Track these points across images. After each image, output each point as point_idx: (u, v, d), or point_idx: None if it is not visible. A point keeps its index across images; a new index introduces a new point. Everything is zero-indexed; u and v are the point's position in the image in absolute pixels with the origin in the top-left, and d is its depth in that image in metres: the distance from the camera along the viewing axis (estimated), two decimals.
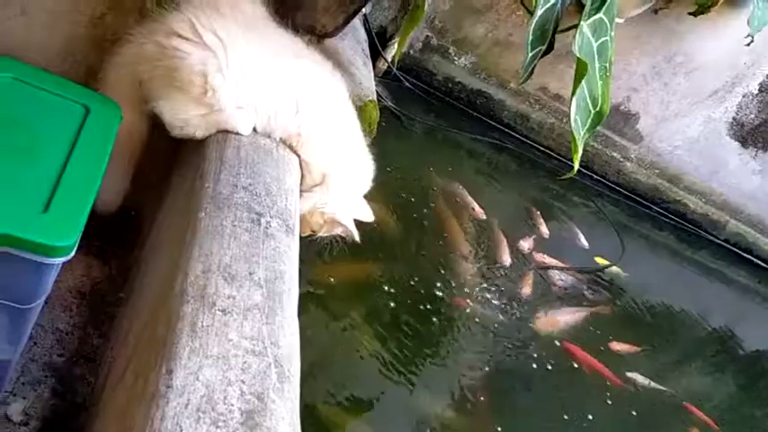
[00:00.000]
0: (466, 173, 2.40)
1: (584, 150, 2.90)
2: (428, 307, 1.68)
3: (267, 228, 0.94)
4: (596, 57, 1.30)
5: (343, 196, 1.23)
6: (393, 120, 2.37)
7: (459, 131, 2.62)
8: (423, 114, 2.56)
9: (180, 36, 1.05)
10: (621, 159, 2.98)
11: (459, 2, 2.44)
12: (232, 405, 0.68)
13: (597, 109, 1.37)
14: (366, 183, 1.31)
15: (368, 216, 1.29)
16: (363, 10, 2.23)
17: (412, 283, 1.71)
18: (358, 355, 1.50)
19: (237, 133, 1.10)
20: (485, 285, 1.87)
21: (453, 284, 1.79)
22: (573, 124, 1.32)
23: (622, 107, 2.84)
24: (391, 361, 1.50)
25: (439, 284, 1.76)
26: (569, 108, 1.26)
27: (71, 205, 0.86)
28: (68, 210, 0.85)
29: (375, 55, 2.45)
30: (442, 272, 1.81)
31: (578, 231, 2.49)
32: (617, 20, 2.39)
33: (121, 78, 1.13)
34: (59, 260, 0.83)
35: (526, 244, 2.15)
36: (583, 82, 1.29)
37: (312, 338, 1.41)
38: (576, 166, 1.41)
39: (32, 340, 1.16)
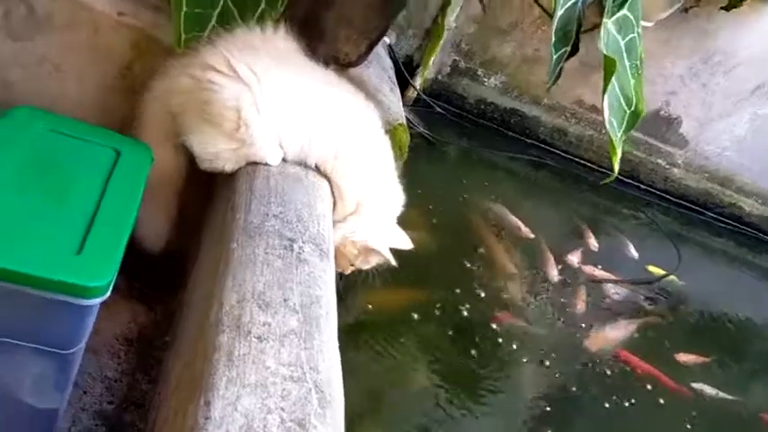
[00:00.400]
0: (507, 193, 2.35)
1: (628, 160, 2.87)
2: (476, 330, 1.63)
3: (300, 253, 0.92)
4: (625, 55, 1.26)
5: (376, 224, 1.21)
6: (426, 146, 2.35)
7: (495, 152, 2.59)
8: (456, 138, 2.54)
9: (214, 69, 1.06)
10: (668, 166, 2.89)
11: (483, 23, 2.43)
12: None
13: (632, 109, 1.33)
14: (396, 210, 1.29)
15: (405, 243, 1.27)
16: (387, 40, 2.24)
17: (459, 307, 1.67)
18: (408, 389, 1.44)
19: (266, 164, 1.10)
20: (535, 304, 1.81)
21: (501, 305, 1.74)
22: (608, 126, 1.28)
23: (662, 112, 2.76)
24: (445, 391, 1.45)
25: (485, 306, 1.71)
26: (602, 109, 1.22)
27: (105, 246, 0.86)
28: (102, 250, 0.85)
29: (404, 84, 2.46)
30: (487, 293, 1.76)
31: (628, 242, 2.41)
32: (645, 23, 2.36)
33: (156, 112, 1.14)
34: (96, 301, 0.82)
35: (575, 258, 2.08)
36: (614, 81, 1.26)
37: (357, 373, 1.37)
38: (616, 169, 1.36)
39: (82, 389, 1.16)
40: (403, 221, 1.26)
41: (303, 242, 0.95)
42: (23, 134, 0.98)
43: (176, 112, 1.11)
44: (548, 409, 1.51)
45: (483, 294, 1.74)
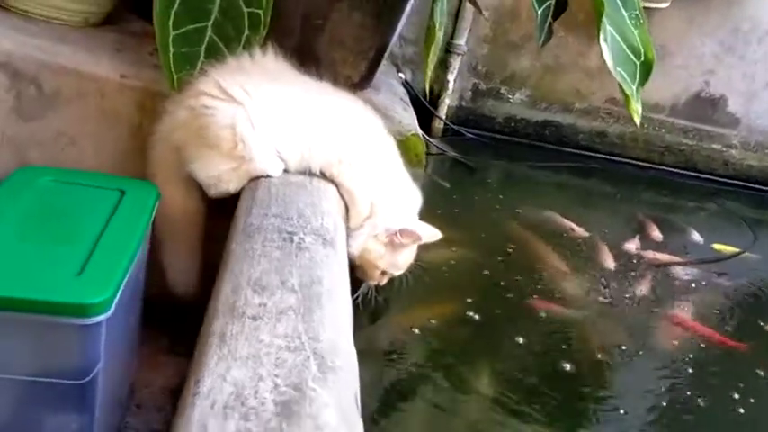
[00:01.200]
0: (558, 204, 2.26)
1: (680, 150, 2.74)
2: (530, 332, 1.52)
3: (300, 243, 0.90)
4: (620, 4, 1.22)
5: (395, 217, 1.18)
6: (465, 171, 2.31)
7: (537, 166, 2.52)
8: (494, 159, 2.49)
9: (207, 95, 1.08)
10: (724, 149, 2.75)
11: (495, 42, 2.43)
12: (264, 398, 0.61)
13: (642, 59, 1.27)
14: (415, 207, 1.25)
15: (434, 234, 1.22)
16: (402, 76, 2.26)
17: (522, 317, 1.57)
18: (476, 410, 1.34)
19: (268, 176, 1.09)
20: (600, 294, 1.69)
21: (563, 301, 1.63)
22: (617, 77, 1.22)
23: (703, 94, 2.65)
24: (514, 402, 1.34)
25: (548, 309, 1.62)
26: (603, 56, 1.17)
27: (104, 267, 0.86)
28: (102, 270, 0.85)
29: (428, 117, 2.46)
30: (545, 293, 1.66)
31: (693, 231, 2.26)
32: (662, 5, 2.30)
33: (162, 153, 1.16)
34: (98, 318, 0.81)
35: (632, 245, 1.96)
36: (616, 35, 1.21)
37: (411, 396, 1.29)
38: (638, 122, 1.29)
39: None
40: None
41: (304, 234, 0.92)
42: (27, 188, 1.01)
43: (179, 146, 1.13)
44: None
45: (540, 292, 1.64)
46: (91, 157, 1.34)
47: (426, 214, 1.22)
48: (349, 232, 1.16)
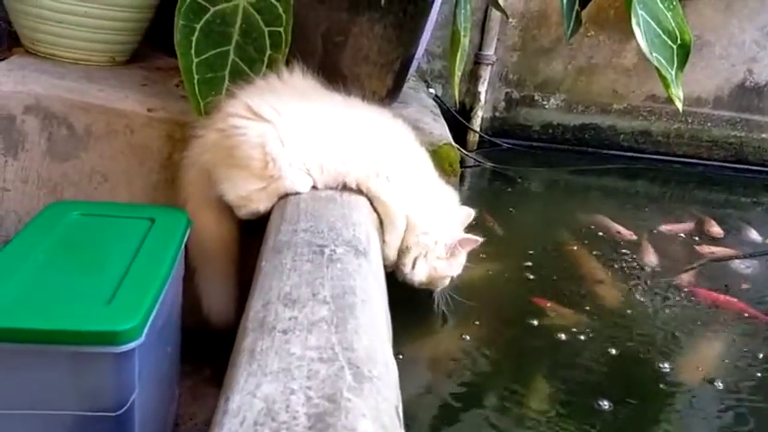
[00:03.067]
0: (605, 208, 2.17)
1: (728, 143, 2.63)
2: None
3: (332, 255, 0.86)
4: None
5: (447, 233, 1.16)
6: (506, 182, 2.25)
7: (581, 170, 2.44)
8: (533, 167, 2.43)
9: (236, 115, 1.07)
10: None
11: (524, 49, 2.38)
12: (297, 412, 0.57)
13: (679, 42, 1.21)
14: (457, 215, 1.22)
15: (475, 240, 1.19)
16: (432, 91, 2.23)
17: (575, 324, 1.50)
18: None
19: (297, 193, 1.07)
20: (649, 295, 1.61)
21: (604, 310, 1.55)
22: (655, 63, 1.16)
23: (747, 83, 2.54)
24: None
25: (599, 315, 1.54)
26: (637, 41, 1.11)
27: (134, 294, 0.84)
28: (132, 298, 0.84)
29: (462, 130, 2.42)
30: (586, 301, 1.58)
31: (749, 227, 2.14)
32: None
33: (193, 178, 1.15)
34: (129, 346, 0.79)
35: (690, 243, 1.87)
36: (649, 19, 1.16)
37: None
38: (680, 107, 1.22)
39: None
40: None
41: (335, 246, 0.89)
42: (58, 223, 1.01)
43: (209, 168, 1.12)
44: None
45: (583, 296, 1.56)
46: (123, 191, 1.35)
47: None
48: (405, 262, 1.16)
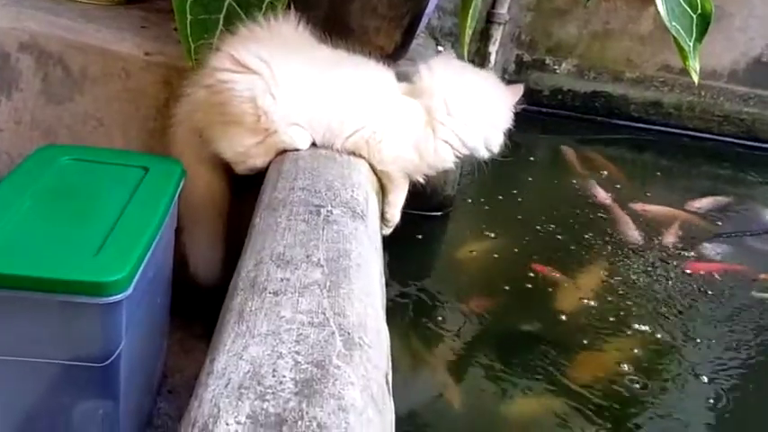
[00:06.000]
0: (611, 181, 2.13)
1: (741, 120, 2.58)
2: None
3: (328, 216, 0.83)
4: None
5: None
6: (512, 150, 2.20)
7: (587, 140, 2.38)
8: (541, 134, 2.38)
9: (222, 69, 1.03)
10: None
11: (539, 9, 2.31)
12: (284, 376, 0.56)
13: (699, 11, 1.16)
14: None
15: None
16: (440, 48, 2.17)
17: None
18: None
19: (296, 149, 1.04)
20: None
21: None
22: (673, 32, 1.12)
23: (764, 58, 2.47)
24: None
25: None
26: (657, 8, 1.07)
27: (123, 245, 0.82)
28: (121, 249, 0.81)
29: None
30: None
31: (761, 208, 2.12)
32: None
33: (183, 136, 1.12)
34: (116, 298, 0.77)
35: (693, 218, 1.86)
36: None
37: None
38: (696, 79, 1.18)
39: (160, 430, 1.11)
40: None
41: (333, 207, 0.86)
42: (47, 167, 0.97)
43: (201, 127, 1.09)
44: None
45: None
46: (119, 137, 1.32)
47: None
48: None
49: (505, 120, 1.14)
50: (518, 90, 1.17)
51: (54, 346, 0.80)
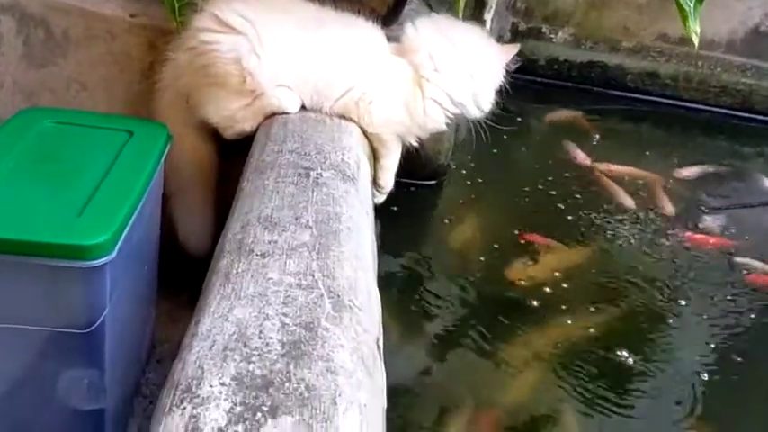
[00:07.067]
0: (608, 152, 2.10)
1: (737, 90, 2.55)
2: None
3: (318, 178, 0.81)
4: None
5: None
6: (507, 120, 2.17)
7: (584, 110, 2.34)
8: (536, 104, 2.34)
9: (205, 30, 1.00)
10: None
11: None
12: (270, 338, 0.54)
13: None
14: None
15: None
16: (434, 15, 2.13)
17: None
18: None
19: (285, 113, 1.01)
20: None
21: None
22: None
23: (763, 27, 2.43)
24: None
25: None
26: None
27: (106, 208, 0.79)
28: (104, 212, 0.79)
29: None
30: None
31: (761, 176, 2.10)
32: None
33: (169, 101, 1.10)
34: (99, 261, 0.75)
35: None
36: None
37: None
38: (696, 42, 1.15)
39: (148, 399, 1.09)
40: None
41: (322, 169, 0.84)
42: (30, 130, 0.94)
43: (186, 92, 1.06)
44: None
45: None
46: (103, 101, 1.28)
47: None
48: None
49: (496, 76, 1.11)
50: (512, 49, 1.15)
51: (36, 311, 0.78)
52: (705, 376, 1.21)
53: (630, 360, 1.20)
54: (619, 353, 1.22)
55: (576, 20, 2.37)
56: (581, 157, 1.97)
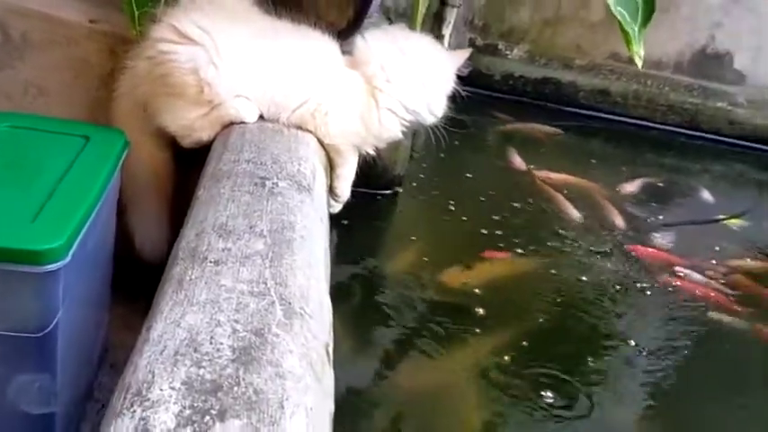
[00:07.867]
0: (560, 166, 2.17)
1: (684, 109, 2.66)
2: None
3: (273, 188, 0.83)
4: None
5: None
6: (462, 135, 2.22)
7: (537, 126, 2.41)
8: (491, 119, 2.40)
9: (164, 40, 1.01)
10: (730, 107, 2.63)
11: None
12: (221, 344, 0.56)
13: None
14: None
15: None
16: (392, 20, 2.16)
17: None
18: None
19: (243, 122, 1.02)
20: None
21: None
22: (618, 17, 1.14)
23: (709, 49, 2.55)
24: None
25: None
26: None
27: (60, 214, 0.80)
28: (58, 217, 0.79)
29: None
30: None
31: (701, 188, 2.20)
32: None
33: (126, 109, 1.10)
34: (52, 266, 0.75)
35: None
36: None
37: None
38: (640, 64, 1.21)
39: (101, 403, 1.09)
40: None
41: (278, 179, 0.86)
42: None
43: (144, 101, 1.07)
44: None
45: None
46: (61, 107, 1.28)
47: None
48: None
49: (448, 83, 1.15)
50: (463, 54, 1.19)
51: None
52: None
53: None
54: None
55: (531, 37, 2.45)
56: (518, 162, 2.09)
